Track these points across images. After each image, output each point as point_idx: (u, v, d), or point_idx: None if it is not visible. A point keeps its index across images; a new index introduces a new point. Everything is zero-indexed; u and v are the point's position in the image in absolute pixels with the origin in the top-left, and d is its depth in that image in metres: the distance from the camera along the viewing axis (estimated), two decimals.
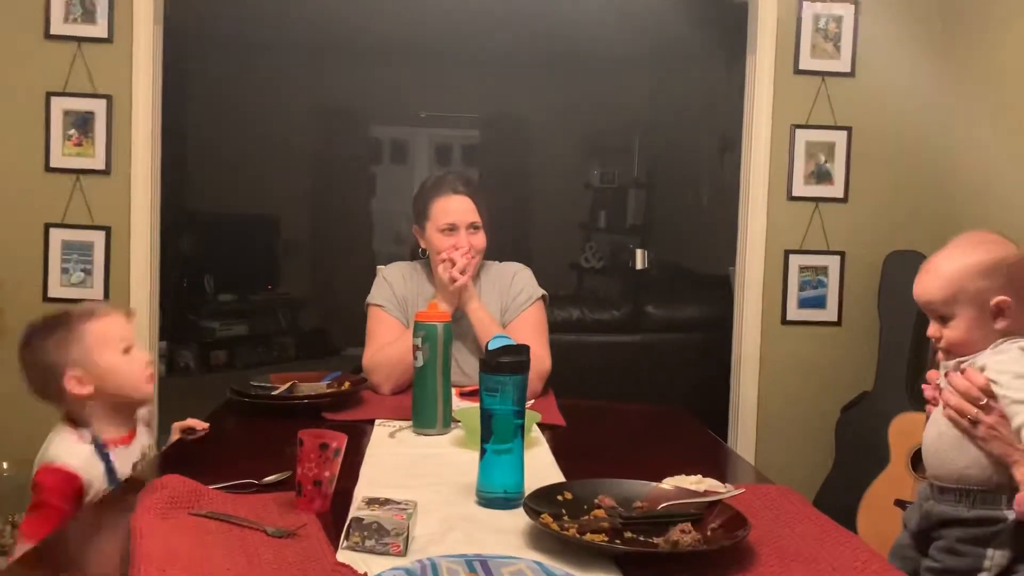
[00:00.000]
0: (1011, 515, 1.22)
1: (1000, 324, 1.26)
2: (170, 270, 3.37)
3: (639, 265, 6.54)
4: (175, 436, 1.75)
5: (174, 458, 1.63)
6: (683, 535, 1.16)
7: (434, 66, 6.70)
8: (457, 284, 2.10)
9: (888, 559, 1.35)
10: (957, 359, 1.30)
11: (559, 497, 1.28)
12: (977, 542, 1.27)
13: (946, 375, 1.32)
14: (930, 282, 1.30)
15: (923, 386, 1.39)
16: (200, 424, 1.75)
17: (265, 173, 6.85)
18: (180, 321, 6.16)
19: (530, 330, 2.18)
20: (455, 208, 2.16)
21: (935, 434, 1.34)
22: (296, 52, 6.52)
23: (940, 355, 1.35)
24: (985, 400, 1.22)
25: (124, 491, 1.40)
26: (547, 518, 1.20)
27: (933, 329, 1.32)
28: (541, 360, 2.13)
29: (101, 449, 1.55)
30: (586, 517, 1.23)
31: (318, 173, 7.20)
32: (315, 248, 7.25)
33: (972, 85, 3.09)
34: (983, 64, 3.03)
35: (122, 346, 1.60)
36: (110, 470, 1.55)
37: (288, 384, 1.99)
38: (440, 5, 5.19)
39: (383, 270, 2.31)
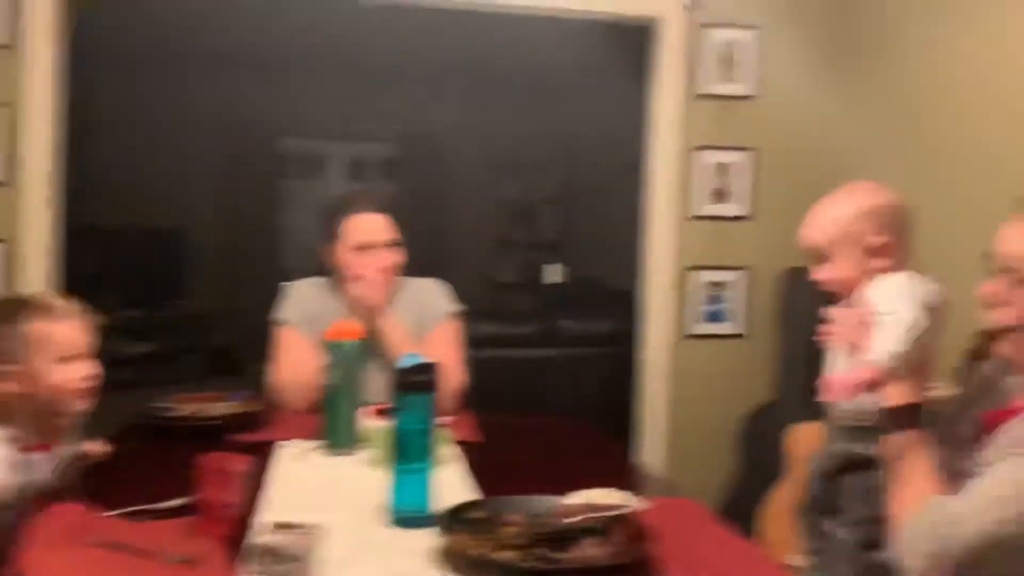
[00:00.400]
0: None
1: (879, 263, 1.32)
2: (70, 285, 3.23)
3: (554, 280, 6.63)
4: (70, 460, 1.67)
5: (69, 485, 1.56)
6: (591, 549, 1.18)
7: (349, 80, 6.64)
8: (371, 303, 2.07)
9: (795, 517, 1.39)
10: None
11: (471, 515, 1.28)
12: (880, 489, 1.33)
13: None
14: (813, 227, 1.37)
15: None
16: (98, 447, 1.69)
17: (172, 186, 6.64)
18: None
19: (445, 346, 2.17)
20: (370, 227, 2.12)
21: (835, 372, 1.39)
22: (206, 62, 6.36)
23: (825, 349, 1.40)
24: (867, 322, 1.27)
25: (12, 519, 1.34)
26: (458, 536, 1.20)
27: (815, 271, 1.38)
28: (456, 376, 2.13)
29: (15, 450, 1.47)
30: (497, 534, 1.24)
31: (227, 186, 7.02)
32: (223, 263, 7.06)
33: (868, 106, 3.24)
34: (878, 85, 3.18)
35: (62, 354, 1.53)
36: (25, 473, 1.47)
37: (191, 405, 1.93)
38: (353, 19, 5.15)
39: (291, 286, 2.26)
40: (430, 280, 2.32)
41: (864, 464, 1.33)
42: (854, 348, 1.29)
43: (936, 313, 1.28)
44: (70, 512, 1.23)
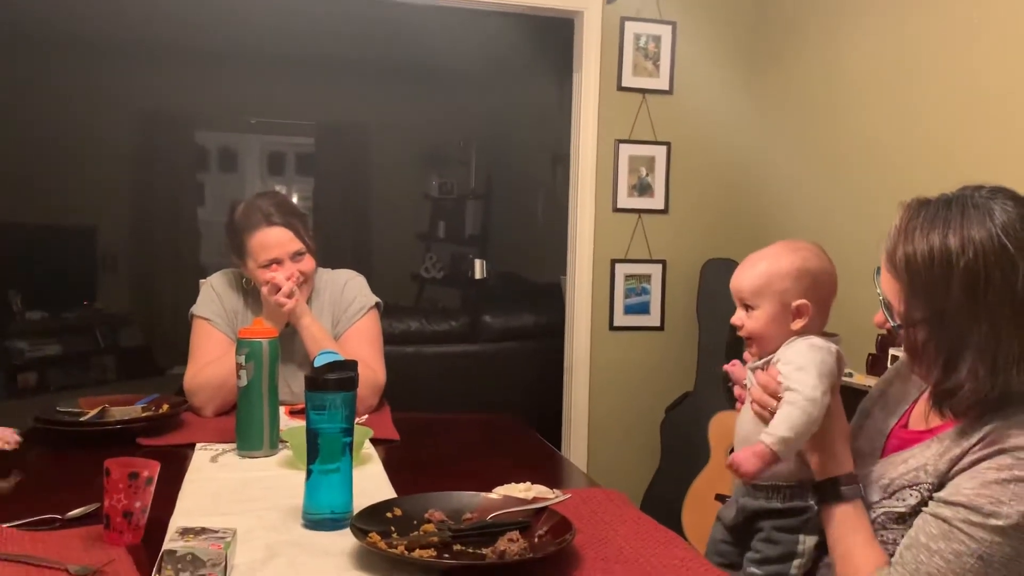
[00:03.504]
0: (814, 504, 1.32)
1: (797, 324, 1.37)
2: None
3: (478, 275, 6.62)
4: None
5: None
6: (511, 544, 1.18)
7: (265, 71, 6.49)
8: (286, 308, 2.03)
9: (705, 555, 1.43)
10: (764, 358, 1.40)
11: (388, 514, 1.27)
12: (791, 530, 1.37)
13: (753, 372, 1.42)
14: (746, 273, 1.41)
15: (724, 369, 1.50)
16: (9, 435, 1.60)
17: (80, 180, 6.37)
18: None
19: (364, 341, 2.13)
20: (273, 242, 2.02)
21: (744, 433, 1.43)
22: (116, 51, 6.12)
23: (746, 353, 1.45)
24: (774, 389, 1.32)
25: None
26: (374, 537, 1.18)
27: (737, 317, 1.42)
28: (375, 372, 2.09)
29: None
30: (415, 533, 1.23)
31: (139, 181, 6.78)
32: (137, 261, 6.82)
33: (777, 102, 3.34)
34: (788, 82, 3.28)
35: None
36: None
37: (98, 409, 1.86)
38: (270, 8, 5.04)
39: (210, 280, 2.19)
40: (346, 271, 2.26)
41: (775, 514, 1.38)
42: (761, 413, 1.34)
43: (836, 378, 1.33)
44: None
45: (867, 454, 1.34)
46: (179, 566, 1.05)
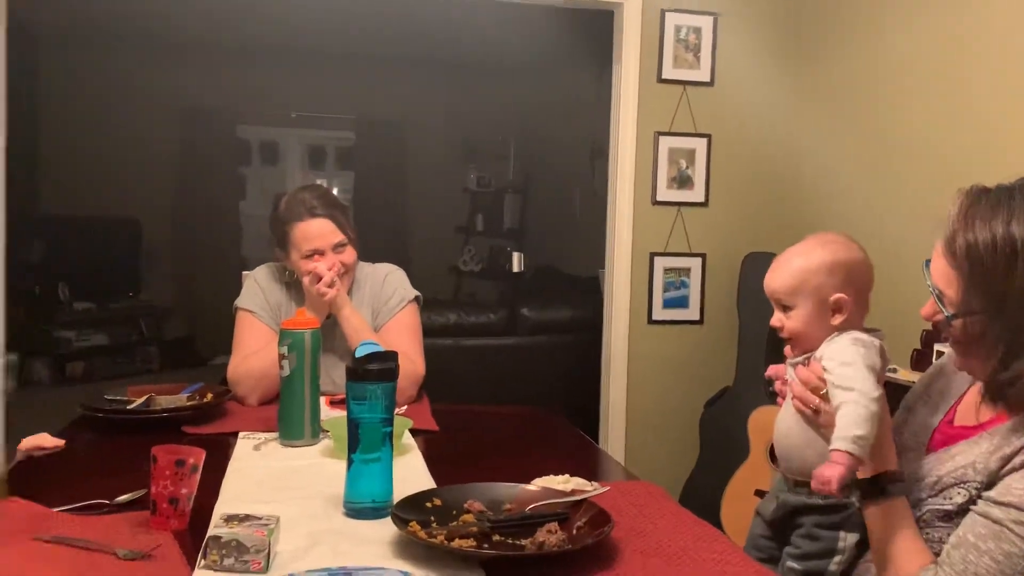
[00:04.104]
0: (856, 501, 1.30)
1: (836, 319, 1.34)
2: (19, 277, 3.15)
3: (516, 268, 6.62)
4: (21, 454, 1.63)
5: (20, 479, 1.53)
6: (549, 535, 1.18)
7: (306, 65, 6.56)
8: (327, 297, 2.05)
9: (744, 549, 1.42)
10: (804, 354, 1.38)
11: (428, 504, 1.28)
12: (832, 527, 1.35)
13: (793, 368, 1.40)
14: (778, 274, 1.39)
15: (767, 379, 1.48)
16: (51, 441, 1.65)
17: (126, 175, 6.50)
18: (32, 331, 5.77)
19: (403, 333, 2.15)
20: (315, 233, 2.06)
21: (784, 429, 1.41)
22: (159, 48, 6.23)
23: (786, 349, 1.43)
24: (825, 389, 1.31)
25: None
26: (414, 526, 1.19)
27: (776, 319, 1.40)
28: (414, 364, 2.11)
29: None
30: (454, 523, 1.23)
31: (183, 175, 6.90)
32: (180, 253, 6.94)
33: (821, 94, 3.29)
34: (831, 75, 3.23)
35: None
36: None
37: (145, 397, 1.90)
38: (312, 4, 5.08)
39: (254, 273, 2.22)
40: (387, 265, 2.28)
41: (816, 510, 1.36)
42: (802, 409, 1.32)
43: (880, 373, 1.30)
44: (20, 507, 1.20)
45: (912, 450, 1.32)
46: (224, 552, 1.07)
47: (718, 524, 2.92)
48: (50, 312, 6.06)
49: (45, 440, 1.65)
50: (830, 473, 1.19)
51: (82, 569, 1.06)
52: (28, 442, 1.65)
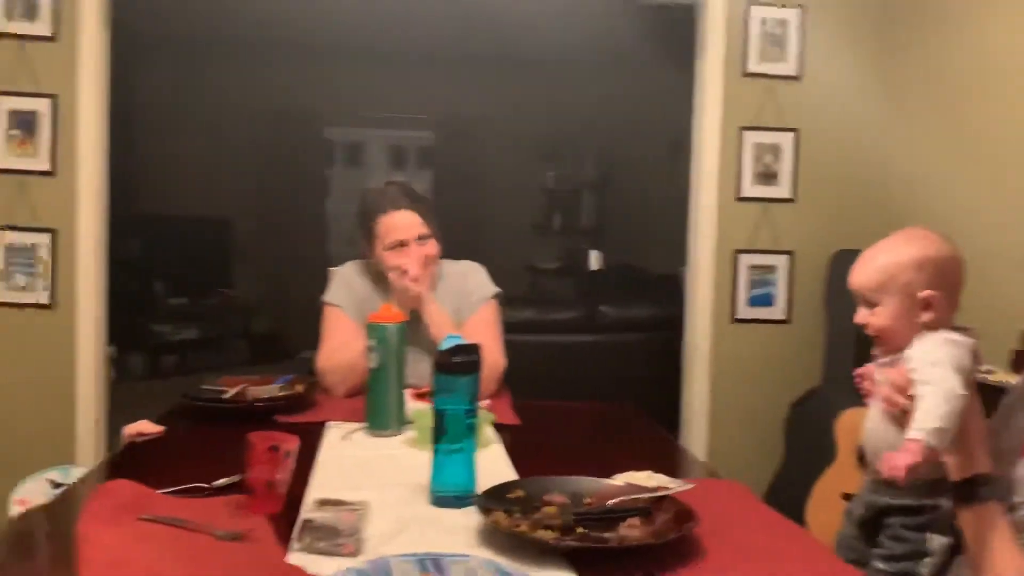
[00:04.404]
0: (946, 502, 1.26)
1: (926, 317, 1.30)
2: (119, 273, 3.32)
3: (593, 266, 6.60)
4: (125, 439, 1.72)
5: (124, 463, 1.61)
6: (632, 530, 1.18)
7: (388, 67, 6.67)
8: (412, 292, 2.09)
9: (834, 551, 1.39)
10: (891, 354, 1.35)
11: (511, 495, 1.29)
12: (919, 528, 1.32)
13: (882, 369, 1.36)
14: (863, 271, 1.35)
15: (855, 379, 1.44)
16: (152, 427, 1.73)
17: (217, 175, 6.75)
18: (130, 325, 6.03)
19: (484, 329, 2.18)
20: (400, 224, 2.13)
21: (872, 430, 1.38)
22: (248, 52, 6.44)
23: (875, 351, 1.39)
24: (907, 386, 1.27)
25: (69, 497, 1.38)
26: (499, 516, 1.20)
27: (861, 315, 1.37)
28: (495, 359, 2.13)
29: None
30: (537, 514, 1.24)
31: (271, 175, 7.11)
32: (268, 251, 7.16)
33: (913, 88, 3.18)
34: (923, 67, 3.12)
35: None
36: None
37: (239, 387, 1.97)
38: (393, 6, 5.17)
39: (341, 269, 2.29)
40: (468, 263, 2.33)
41: (903, 511, 1.32)
42: (890, 411, 1.28)
43: (971, 374, 1.25)
44: (124, 488, 1.27)
45: (1010, 453, 1.27)
46: (317, 535, 1.10)
47: (803, 527, 2.86)
48: (147, 307, 6.33)
49: (147, 426, 1.74)
50: (901, 460, 1.16)
51: (183, 548, 1.11)
52: (131, 428, 1.74)
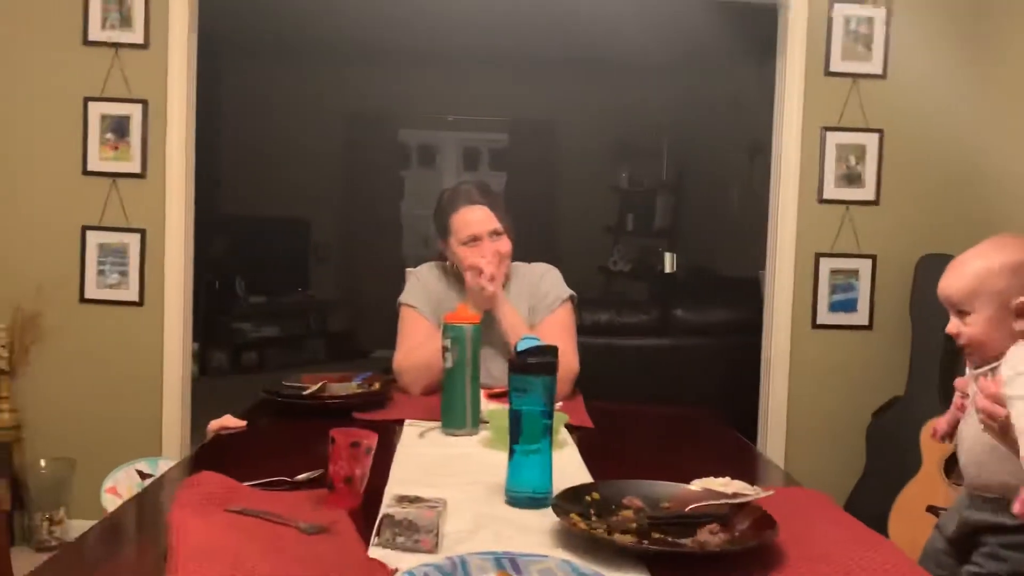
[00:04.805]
0: None
1: (1021, 325, 1.25)
2: (203, 272, 3.44)
3: (667, 269, 6.53)
4: (210, 433, 1.78)
5: (209, 455, 1.66)
6: (711, 536, 1.16)
7: (462, 70, 6.74)
8: (487, 292, 2.11)
9: (919, 563, 1.34)
10: (988, 365, 1.29)
11: (587, 497, 1.29)
12: (1019, 547, 1.26)
13: (976, 380, 1.31)
14: (953, 278, 1.30)
15: (955, 385, 1.39)
16: (235, 422, 1.78)
17: (296, 177, 6.93)
18: (213, 322, 6.25)
19: (559, 331, 2.18)
20: (474, 219, 2.16)
21: (970, 443, 1.33)
22: (327, 57, 6.59)
23: (967, 359, 1.34)
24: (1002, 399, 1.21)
25: (160, 487, 1.43)
26: (575, 518, 1.20)
27: (952, 325, 1.32)
28: (569, 361, 2.13)
29: None
30: (614, 517, 1.24)
31: (348, 177, 7.27)
32: (345, 251, 7.31)
33: (1004, 87, 3.05)
34: (1014, 66, 2.99)
35: None
36: None
37: (319, 384, 2.01)
38: (467, 8, 5.22)
39: (417, 270, 2.33)
40: (542, 265, 2.33)
41: (1002, 530, 1.26)
42: (988, 423, 1.23)
43: None
44: (212, 480, 1.31)
45: None
46: (396, 530, 1.12)
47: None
48: (228, 305, 6.54)
49: (230, 421, 1.79)
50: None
51: (269, 539, 1.14)
52: (215, 423, 1.80)
